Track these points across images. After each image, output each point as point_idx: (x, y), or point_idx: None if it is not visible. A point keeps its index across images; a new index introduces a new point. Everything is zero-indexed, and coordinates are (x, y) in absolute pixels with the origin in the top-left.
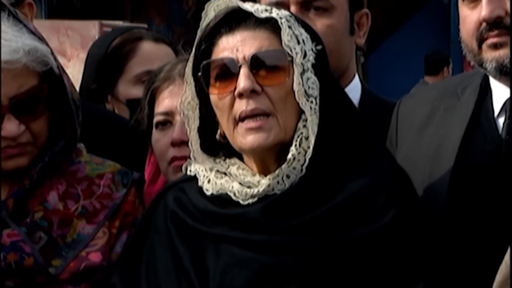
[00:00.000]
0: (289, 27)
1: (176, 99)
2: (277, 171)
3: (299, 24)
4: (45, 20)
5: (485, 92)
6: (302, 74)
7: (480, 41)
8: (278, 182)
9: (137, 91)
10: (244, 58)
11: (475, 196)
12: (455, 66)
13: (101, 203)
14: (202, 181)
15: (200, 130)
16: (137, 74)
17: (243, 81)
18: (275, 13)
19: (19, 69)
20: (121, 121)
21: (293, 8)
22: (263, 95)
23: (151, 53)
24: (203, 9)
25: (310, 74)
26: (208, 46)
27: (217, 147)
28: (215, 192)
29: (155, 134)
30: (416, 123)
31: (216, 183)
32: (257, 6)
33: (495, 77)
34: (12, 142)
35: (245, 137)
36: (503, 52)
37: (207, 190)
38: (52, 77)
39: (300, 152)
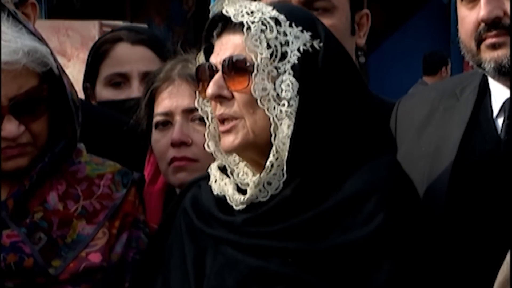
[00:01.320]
0: (262, 31)
1: (176, 99)
2: (257, 180)
3: (292, 23)
4: (45, 20)
5: (484, 92)
6: (276, 77)
7: (479, 41)
8: (260, 191)
9: (107, 93)
10: (220, 63)
11: (475, 196)
12: (455, 66)
13: (101, 203)
14: (211, 181)
15: None
16: (106, 76)
17: (209, 87)
18: (253, 17)
19: (18, 70)
20: (121, 121)
21: None
22: (233, 100)
23: (123, 55)
24: (203, 9)
25: (286, 76)
26: (208, 48)
27: None
28: (219, 193)
29: (155, 134)
30: (415, 124)
31: (219, 184)
32: (240, 9)
33: (493, 78)
34: (12, 143)
35: (221, 139)
36: (501, 53)
37: (214, 190)
38: (52, 77)
39: (278, 157)
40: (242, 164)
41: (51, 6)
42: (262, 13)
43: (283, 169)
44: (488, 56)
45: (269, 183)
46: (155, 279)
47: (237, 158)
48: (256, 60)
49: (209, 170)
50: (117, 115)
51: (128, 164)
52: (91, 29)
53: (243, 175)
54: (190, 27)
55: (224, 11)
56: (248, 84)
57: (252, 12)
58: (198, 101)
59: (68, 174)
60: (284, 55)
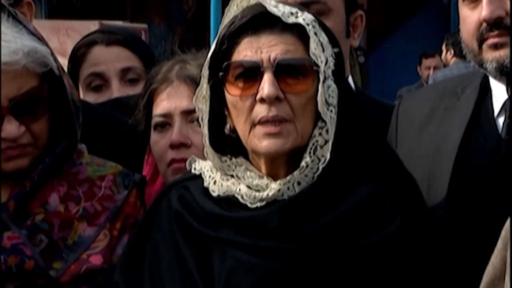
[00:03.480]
0: (315, 33)
1: (174, 101)
2: (288, 177)
3: (321, 27)
4: (45, 20)
5: (485, 92)
6: (323, 82)
7: (481, 41)
8: (288, 188)
9: (89, 98)
10: (269, 62)
11: (475, 195)
12: None
13: (102, 205)
14: (208, 182)
15: (209, 124)
16: (84, 79)
17: (267, 87)
18: (301, 18)
19: (18, 70)
20: (121, 121)
21: None
22: (284, 101)
23: (98, 57)
24: (203, 9)
25: (330, 82)
26: (230, 44)
27: (224, 143)
28: (221, 194)
29: (154, 135)
30: (416, 123)
31: (222, 185)
32: (282, 8)
33: (495, 77)
34: (12, 144)
35: (261, 141)
36: (503, 53)
37: (213, 191)
38: (52, 78)
39: (313, 160)
40: (241, 169)
41: (51, 6)
42: (304, 18)
43: (315, 172)
44: (490, 56)
45: (299, 183)
46: (140, 278)
47: (230, 163)
48: (318, 62)
49: (197, 172)
50: (116, 115)
51: (126, 164)
52: (91, 29)
53: (249, 178)
54: (190, 27)
55: (270, 11)
56: (311, 87)
57: (292, 13)
58: (196, 99)
59: (69, 176)
60: (326, 59)
